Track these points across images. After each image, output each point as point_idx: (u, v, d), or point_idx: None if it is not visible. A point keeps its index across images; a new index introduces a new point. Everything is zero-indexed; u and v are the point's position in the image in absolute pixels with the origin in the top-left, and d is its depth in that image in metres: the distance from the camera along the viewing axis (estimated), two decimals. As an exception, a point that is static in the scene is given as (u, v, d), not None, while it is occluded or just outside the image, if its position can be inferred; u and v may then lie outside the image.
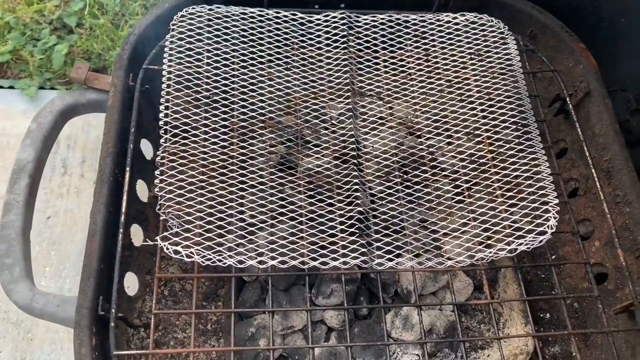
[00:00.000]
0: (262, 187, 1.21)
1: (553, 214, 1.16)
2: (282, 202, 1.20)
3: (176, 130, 1.21)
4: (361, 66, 1.40)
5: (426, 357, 1.14)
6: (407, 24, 1.44)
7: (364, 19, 1.43)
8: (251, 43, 1.35)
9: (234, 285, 1.18)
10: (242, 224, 1.16)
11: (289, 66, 1.37)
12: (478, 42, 1.42)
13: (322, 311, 1.28)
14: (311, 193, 1.23)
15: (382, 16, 1.43)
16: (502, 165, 1.26)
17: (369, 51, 1.42)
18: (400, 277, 1.31)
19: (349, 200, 1.20)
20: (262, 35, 1.37)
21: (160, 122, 1.20)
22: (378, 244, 1.16)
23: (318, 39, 1.39)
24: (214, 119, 1.24)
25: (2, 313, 1.65)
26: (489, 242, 1.18)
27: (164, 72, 1.26)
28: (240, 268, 1.10)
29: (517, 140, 1.28)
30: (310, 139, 1.34)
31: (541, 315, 1.40)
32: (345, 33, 1.39)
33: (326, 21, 1.41)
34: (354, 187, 1.21)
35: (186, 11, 1.34)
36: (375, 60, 1.42)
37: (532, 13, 1.48)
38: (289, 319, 1.27)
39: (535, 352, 1.25)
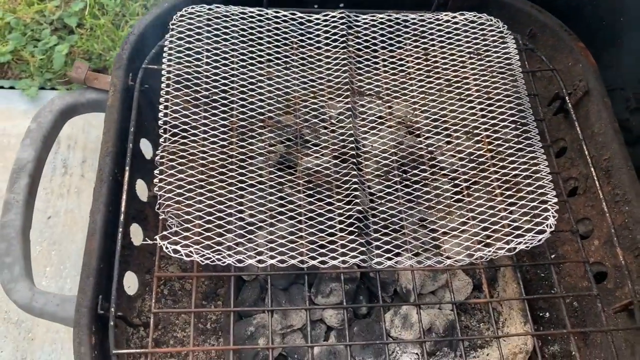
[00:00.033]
0: (262, 186, 1.21)
1: (552, 212, 1.16)
2: (282, 202, 1.20)
3: (175, 130, 1.21)
4: (360, 66, 1.40)
5: (425, 356, 1.14)
6: (407, 24, 1.44)
7: (363, 19, 1.43)
8: (250, 43, 1.36)
9: (233, 284, 1.18)
10: (242, 223, 1.16)
11: (288, 66, 1.37)
12: (477, 41, 1.42)
13: (321, 310, 1.29)
14: (310, 192, 1.23)
15: (381, 16, 1.44)
16: (501, 164, 1.26)
17: (368, 51, 1.42)
18: (400, 276, 1.31)
19: (348, 199, 1.20)
20: (261, 35, 1.37)
21: (160, 122, 1.21)
22: (377, 243, 1.16)
23: (317, 39, 1.39)
24: (213, 118, 1.25)
25: (3, 313, 1.66)
26: (488, 241, 1.18)
27: (163, 72, 1.26)
28: (239, 267, 1.11)
29: (516, 140, 1.28)
30: (309, 139, 1.34)
31: (541, 314, 1.40)
32: (344, 33, 1.40)
33: (325, 21, 1.41)
34: (353, 186, 1.21)
35: (185, 11, 1.34)
36: (375, 60, 1.42)
37: (532, 12, 1.48)
38: (288, 318, 1.27)
39: (535, 351, 1.25)
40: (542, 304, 1.41)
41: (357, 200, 1.19)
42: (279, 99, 1.33)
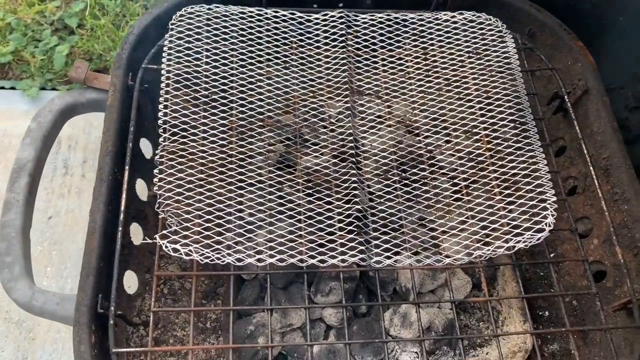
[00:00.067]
0: (261, 185, 1.22)
1: (551, 211, 1.16)
2: (281, 201, 1.20)
3: (175, 129, 1.21)
4: (360, 65, 1.40)
5: (424, 355, 1.14)
6: (406, 23, 1.44)
7: (363, 18, 1.43)
8: (250, 42, 1.36)
9: (232, 283, 1.18)
10: (241, 222, 1.16)
11: (287, 65, 1.37)
12: (476, 40, 1.42)
13: (320, 309, 1.29)
14: (310, 191, 1.23)
15: (380, 15, 1.44)
16: (500, 163, 1.26)
17: (367, 50, 1.42)
18: (399, 275, 1.31)
19: (347, 198, 1.20)
20: (260, 35, 1.37)
21: (159, 121, 1.21)
22: (376, 242, 1.16)
23: (317, 38, 1.40)
24: (212, 118, 1.25)
25: (4, 313, 1.66)
26: (487, 239, 1.18)
27: (163, 72, 1.26)
28: (239, 266, 1.11)
29: (515, 139, 1.28)
30: (309, 138, 1.34)
31: (540, 313, 1.40)
32: (343, 32, 1.40)
33: (325, 20, 1.41)
34: (352, 185, 1.21)
35: (185, 11, 1.35)
36: (374, 59, 1.42)
37: (531, 11, 1.48)
38: (287, 317, 1.27)
39: (534, 350, 1.25)
40: (541, 303, 1.41)
41: (357, 200, 1.19)
42: (279, 98, 1.33)
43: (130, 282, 1.27)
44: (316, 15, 1.41)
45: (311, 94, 1.35)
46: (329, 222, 1.17)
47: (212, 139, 1.23)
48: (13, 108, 2.01)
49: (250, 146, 1.26)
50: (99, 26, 2.11)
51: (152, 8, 1.41)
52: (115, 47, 2.07)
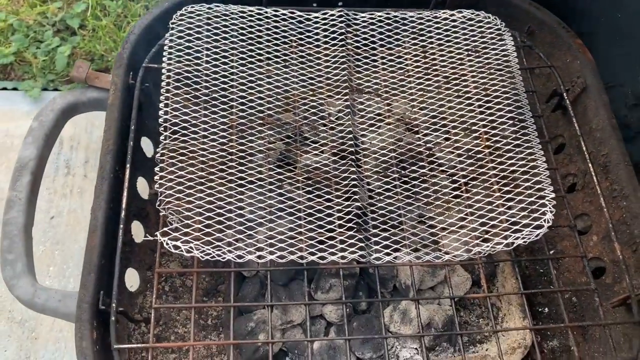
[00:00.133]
0: (261, 183, 1.22)
1: (549, 208, 1.17)
2: (281, 198, 1.21)
3: (176, 128, 1.22)
4: (359, 63, 1.41)
5: (424, 351, 1.15)
6: (405, 21, 1.44)
7: (362, 17, 1.44)
8: (250, 41, 1.37)
9: (233, 280, 1.19)
10: (242, 220, 1.16)
11: (287, 64, 1.38)
12: (475, 38, 1.42)
13: (321, 306, 1.29)
14: (310, 189, 1.23)
15: (379, 14, 1.44)
16: (499, 160, 1.26)
17: (366, 48, 1.43)
18: (399, 272, 1.32)
19: (347, 195, 1.21)
20: (260, 33, 1.38)
21: (160, 120, 1.22)
22: (376, 239, 1.17)
23: (316, 37, 1.40)
24: (213, 116, 1.26)
25: (7, 312, 1.67)
26: (486, 236, 1.18)
27: (163, 71, 1.27)
28: (239, 263, 1.11)
29: (514, 136, 1.28)
30: (308, 136, 1.34)
31: (540, 310, 1.41)
32: (343, 31, 1.40)
33: (324, 19, 1.42)
34: (352, 183, 1.22)
35: (185, 10, 1.35)
36: (373, 58, 1.42)
37: (529, 9, 1.49)
38: (288, 314, 1.28)
39: (533, 346, 1.26)
40: (541, 300, 1.42)
41: (356, 197, 1.20)
42: (279, 96, 1.33)
43: (132, 279, 1.28)
44: (316, 14, 1.42)
45: (311, 92, 1.36)
46: (329, 219, 1.18)
47: (212, 137, 1.24)
48: (15, 109, 2.02)
49: (250, 144, 1.27)
50: (101, 27, 2.12)
51: (152, 8, 1.42)
52: (117, 47, 2.08)
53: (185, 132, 1.22)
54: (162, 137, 1.21)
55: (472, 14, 1.45)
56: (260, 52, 1.37)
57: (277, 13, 1.41)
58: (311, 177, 1.26)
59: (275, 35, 1.39)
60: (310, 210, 1.19)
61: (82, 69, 1.36)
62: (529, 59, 1.47)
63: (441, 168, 1.31)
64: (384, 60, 1.42)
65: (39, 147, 1.30)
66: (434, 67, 1.40)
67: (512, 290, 1.36)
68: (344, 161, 1.26)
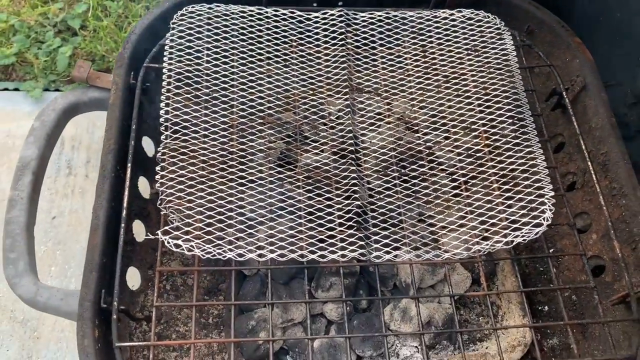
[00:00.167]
0: (262, 182, 1.23)
1: (549, 206, 1.17)
2: (282, 197, 1.21)
3: (176, 127, 1.22)
4: (359, 63, 1.41)
5: (424, 349, 1.15)
6: (405, 21, 1.45)
7: (362, 16, 1.44)
8: (250, 41, 1.37)
9: (234, 278, 1.19)
10: (242, 219, 1.17)
11: (287, 63, 1.38)
12: (475, 38, 1.42)
13: (321, 304, 1.30)
14: (310, 188, 1.24)
15: (379, 13, 1.45)
16: (498, 159, 1.27)
17: (366, 48, 1.43)
18: (399, 271, 1.32)
19: (347, 194, 1.21)
20: (261, 33, 1.38)
21: (161, 119, 1.22)
22: (376, 238, 1.17)
23: (316, 37, 1.41)
24: (213, 115, 1.26)
25: (9, 312, 1.67)
26: (486, 234, 1.19)
27: (164, 70, 1.28)
28: (240, 261, 1.12)
29: (513, 135, 1.29)
30: (309, 135, 1.35)
31: (540, 308, 1.41)
32: (343, 30, 1.41)
33: (324, 19, 1.42)
34: (352, 182, 1.22)
35: (186, 10, 1.36)
36: (373, 57, 1.43)
37: (529, 9, 1.49)
38: (289, 312, 1.28)
39: (533, 344, 1.26)
40: (541, 298, 1.42)
41: (356, 196, 1.20)
42: (279, 96, 1.34)
43: (133, 278, 1.28)
44: (316, 14, 1.42)
45: (311, 92, 1.36)
46: (330, 218, 1.18)
47: (213, 136, 1.24)
48: (17, 109, 2.02)
49: (251, 143, 1.27)
50: (102, 27, 2.12)
51: (153, 8, 1.43)
52: (118, 48, 2.09)
53: (186, 131, 1.23)
54: (163, 137, 1.21)
55: (472, 13, 1.46)
56: (261, 51, 1.37)
57: (277, 13, 1.41)
58: (311, 176, 1.26)
59: (276, 35, 1.39)
60: (311, 209, 1.19)
61: (83, 69, 1.36)
62: (528, 58, 1.47)
63: (441, 167, 1.32)
64: (383, 60, 1.43)
65: (40, 147, 1.30)
66: (434, 67, 1.40)
67: (512, 289, 1.36)
68: (344, 160, 1.26)
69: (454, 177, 1.29)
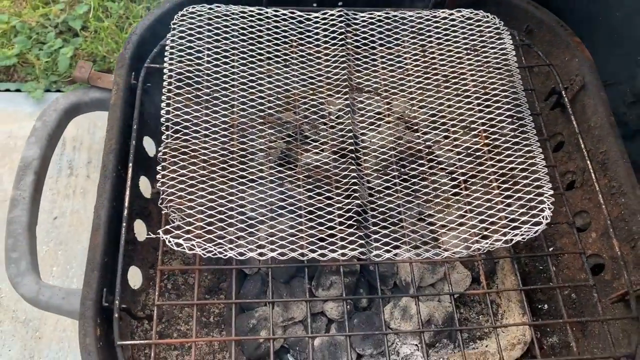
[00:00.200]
0: (262, 181, 1.23)
1: (548, 204, 1.17)
2: (282, 196, 1.22)
3: (177, 127, 1.23)
4: (359, 62, 1.42)
5: (424, 347, 1.16)
6: (404, 21, 1.45)
7: (362, 16, 1.45)
8: (250, 41, 1.38)
9: (234, 277, 1.20)
10: (243, 218, 1.17)
11: (287, 63, 1.39)
12: (474, 37, 1.43)
13: (322, 303, 1.30)
14: (310, 187, 1.24)
15: (379, 13, 1.45)
16: (498, 158, 1.27)
17: (366, 48, 1.44)
18: (399, 269, 1.33)
19: (347, 194, 1.22)
20: (261, 33, 1.39)
21: (162, 119, 1.23)
22: (376, 237, 1.18)
23: (316, 37, 1.41)
24: (214, 115, 1.27)
25: (11, 312, 1.67)
26: (485, 233, 1.19)
27: (165, 70, 1.28)
28: (241, 260, 1.12)
29: (513, 134, 1.29)
30: (309, 135, 1.35)
31: (539, 307, 1.42)
32: (343, 30, 1.41)
33: (324, 19, 1.43)
34: (352, 181, 1.23)
35: (187, 10, 1.36)
36: (373, 57, 1.43)
37: (528, 8, 1.50)
38: (289, 311, 1.29)
39: (532, 342, 1.27)
40: (540, 297, 1.43)
41: (356, 195, 1.21)
42: (279, 96, 1.34)
43: (135, 277, 1.29)
44: (316, 14, 1.43)
45: (311, 92, 1.36)
46: (330, 217, 1.18)
47: (213, 136, 1.24)
48: (18, 110, 2.03)
49: (251, 143, 1.28)
50: (103, 28, 2.13)
51: (154, 9, 1.43)
52: (119, 48, 2.09)
53: (186, 131, 1.23)
54: (164, 137, 1.22)
55: (471, 13, 1.46)
56: (261, 51, 1.38)
57: (277, 13, 1.42)
58: (312, 176, 1.27)
59: (276, 35, 1.40)
60: (311, 208, 1.20)
61: (84, 70, 1.37)
62: (527, 57, 1.48)
63: (441, 166, 1.32)
64: (383, 60, 1.43)
65: (42, 147, 1.31)
66: (434, 66, 1.41)
67: (511, 287, 1.37)
68: (344, 159, 1.27)
69: (453, 176, 1.29)
